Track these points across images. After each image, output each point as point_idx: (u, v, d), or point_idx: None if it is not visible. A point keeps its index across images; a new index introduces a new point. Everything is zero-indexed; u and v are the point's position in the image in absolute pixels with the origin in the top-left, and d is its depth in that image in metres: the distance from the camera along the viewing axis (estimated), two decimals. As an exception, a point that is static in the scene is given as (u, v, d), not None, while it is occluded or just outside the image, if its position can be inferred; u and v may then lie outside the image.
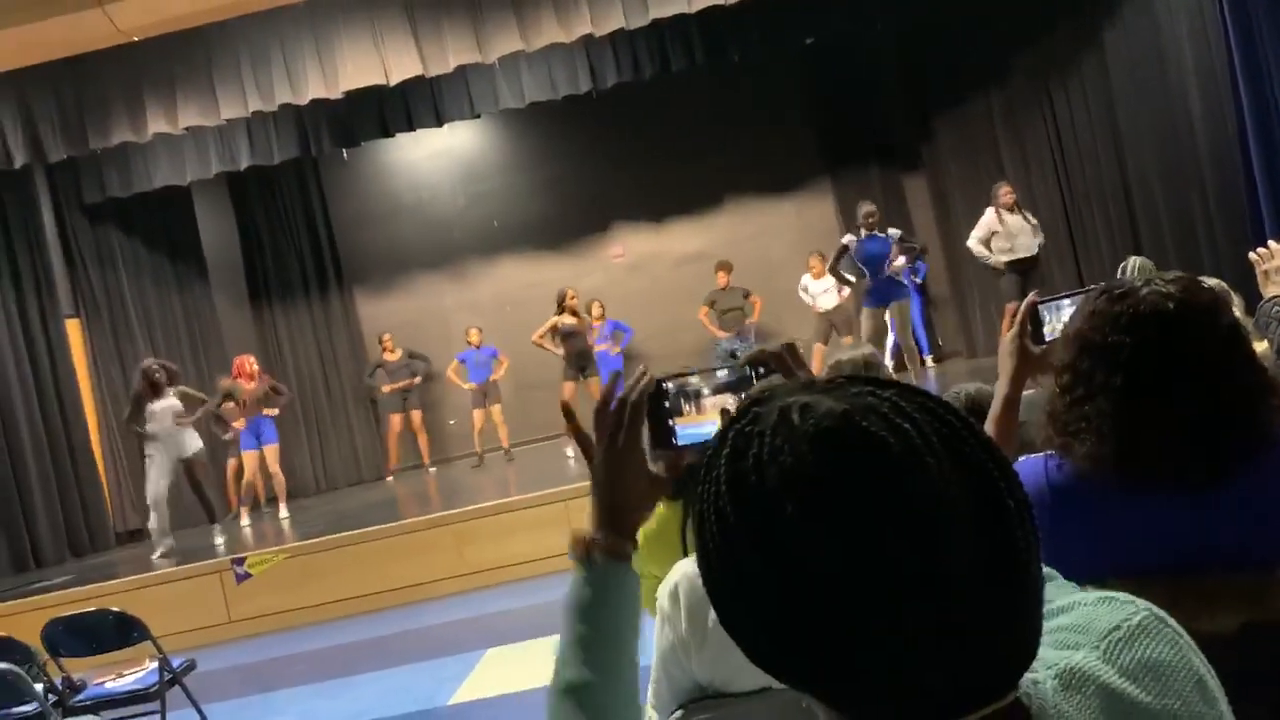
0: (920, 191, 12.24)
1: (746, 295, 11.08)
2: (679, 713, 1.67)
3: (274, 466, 9.78)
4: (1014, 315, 1.74)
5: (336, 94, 8.63)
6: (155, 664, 4.70)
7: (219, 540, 8.48)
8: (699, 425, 1.13)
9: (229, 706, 5.55)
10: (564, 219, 12.45)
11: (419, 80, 8.86)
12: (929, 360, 10.69)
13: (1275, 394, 1.38)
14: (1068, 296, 1.73)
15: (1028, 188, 10.32)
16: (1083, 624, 0.77)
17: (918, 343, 10.47)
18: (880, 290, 8.92)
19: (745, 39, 10.04)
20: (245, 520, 9.74)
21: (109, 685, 4.75)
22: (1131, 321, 1.40)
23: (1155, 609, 0.78)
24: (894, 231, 8.99)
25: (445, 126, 10.97)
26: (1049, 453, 1.47)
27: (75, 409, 10.25)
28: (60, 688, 4.60)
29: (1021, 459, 1.51)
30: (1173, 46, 7.83)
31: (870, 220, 8.89)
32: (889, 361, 9.18)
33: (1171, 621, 0.78)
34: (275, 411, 9.68)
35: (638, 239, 12.69)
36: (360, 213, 12.70)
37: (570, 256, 12.55)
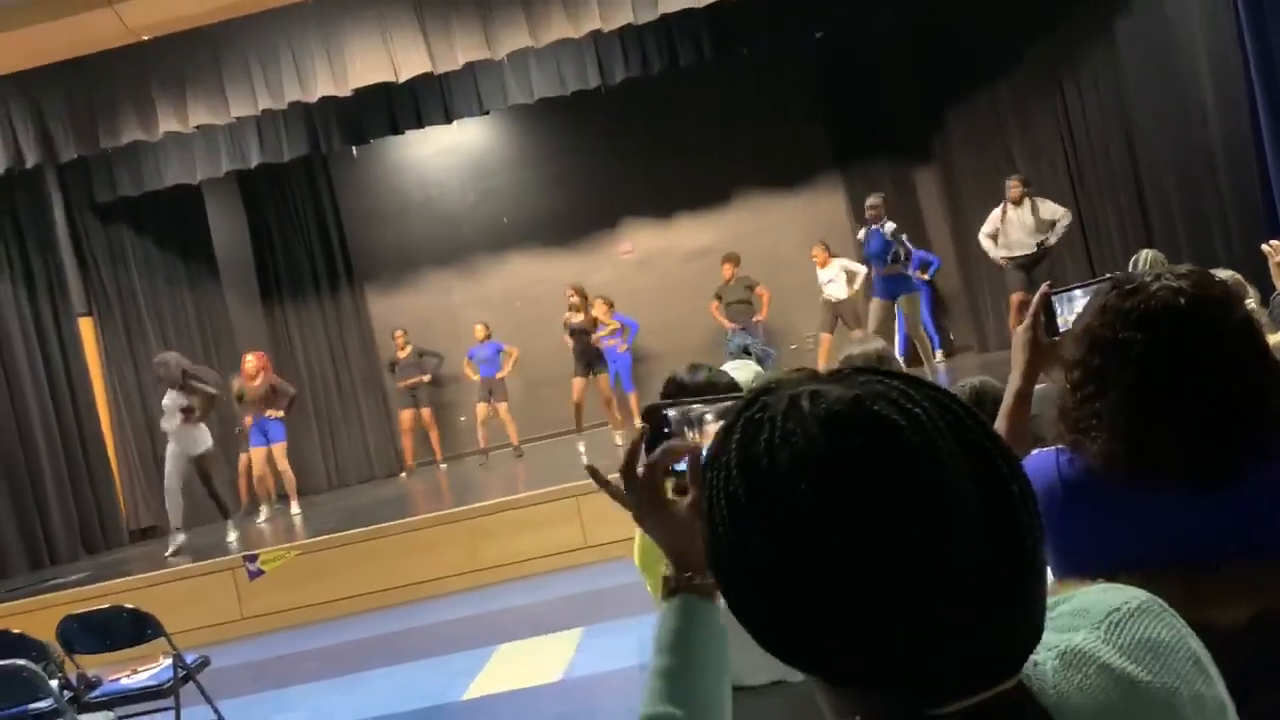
0: (931, 184, 12.21)
1: (751, 288, 11.05)
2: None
3: (282, 464, 9.81)
4: (1019, 308, 1.73)
5: (346, 91, 8.64)
6: (169, 661, 4.73)
7: (233, 536, 8.51)
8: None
9: (242, 703, 5.57)
10: (573, 215, 12.45)
11: (428, 77, 8.87)
12: (940, 355, 10.66)
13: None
14: (1080, 287, 1.72)
15: (1039, 180, 10.27)
16: (1082, 608, 0.78)
17: (929, 339, 10.45)
18: (884, 283, 8.91)
19: (754, 33, 10.02)
20: (261, 516, 9.78)
21: (124, 682, 4.77)
22: (1142, 317, 1.39)
23: (1154, 597, 0.79)
24: (889, 225, 8.93)
25: (454, 123, 10.98)
26: (1060, 447, 1.46)
27: (88, 407, 10.31)
28: (75, 684, 4.63)
29: (1033, 453, 1.50)
30: (1185, 36, 7.78)
31: (870, 214, 8.89)
32: (899, 357, 9.16)
33: (1169, 608, 0.79)
34: (279, 413, 9.69)
35: (646, 235, 12.69)
36: (370, 210, 12.72)
37: (579, 252, 12.56)
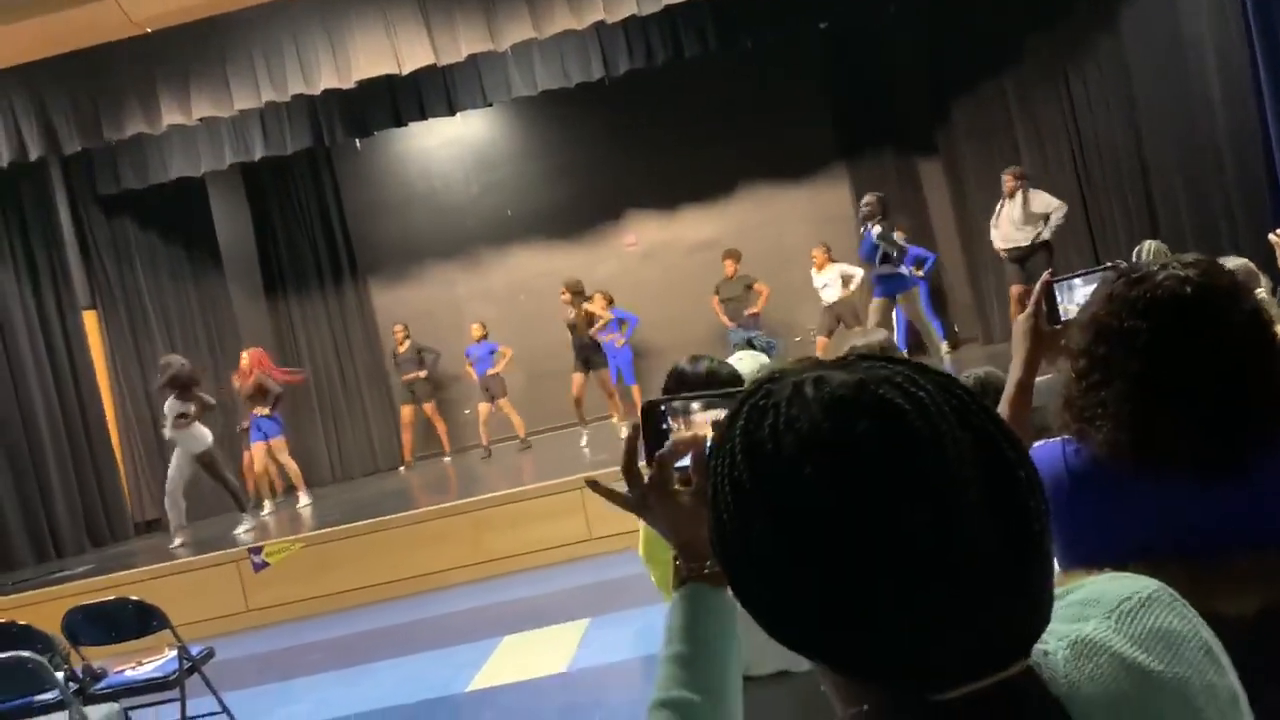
0: (936, 176, 12.18)
1: (749, 285, 11.04)
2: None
3: (282, 457, 9.82)
4: (1019, 300, 1.72)
5: (349, 84, 8.63)
6: (174, 652, 4.74)
7: (246, 527, 8.54)
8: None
9: (247, 694, 5.59)
10: (577, 207, 12.44)
11: (431, 69, 8.85)
12: (945, 347, 10.63)
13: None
14: (1081, 275, 1.71)
15: (1044, 172, 10.25)
16: (1093, 597, 0.77)
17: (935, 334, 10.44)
18: (881, 283, 8.93)
19: (758, 24, 9.99)
20: (265, 510, 9.80)
21: (129, 673, 4.78)
22: (1149, 306, 1.38)
23: (1165, 586, 0.78)
24: (876, 229, 8.92)
25: (458, 115, 10.97)
26: (1066, 438, 1.46)
27: (93, 400, 10.33)
28: (81, 676, 4.64)
29: (1038, 444, 1.50)
30: (1192, 28, 7.75)
31: (863, 210, 8.89)
32: (901, 350, 9.15)
33: (1180, 597, 0.78)
34: (264, 411, 9.70)
35: (651, 227, 12.67)
36: (374, 202, 12.72)
37: (583, 245, 12.55)
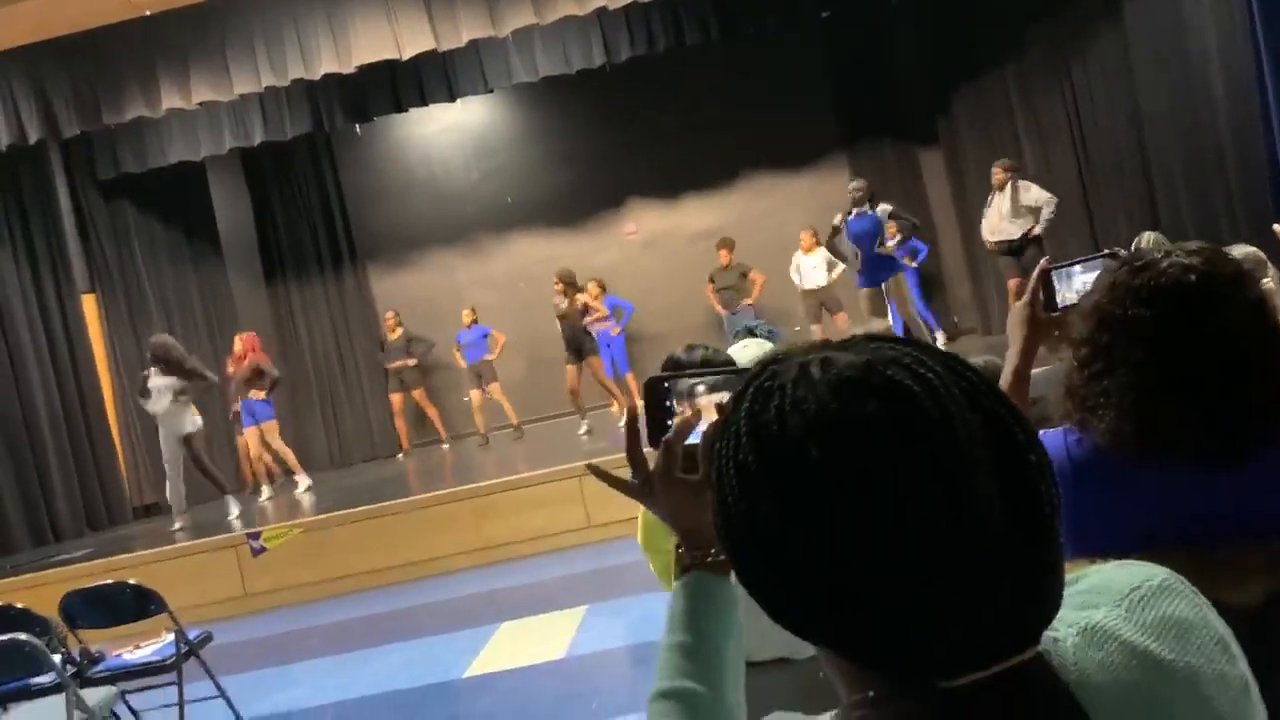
0: (936, 166, 12.16)
1: (744, 274, 11.04)
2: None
3: (275, 442, 9.79)
4: (1017, 293, 1.72)
5: (349, 68, 8.61)
6: (172, 636, 4.74)
7: (235, 510, 8.53)
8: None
9: (245, 679, 5.59)
10: (577, 194, 12.42)
11: (431, 54, 8.82)
12: (940, 338, 10.62)
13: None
14: (1079, 263, 1.71)
15: (1045, 163, 10.24)
16: (1103, 585, 0.76)
17: (925, 321, 10.43)
18: (869, 270, 8.80)
19: (760, 12, 9.97)
20: (263, 495, 9.80)
21: (126, 657, 4.79)
22: (1152, 294, 1.38)
23: (1176, 574, 0.78)
24: (884, 207, 8.82)
25: (458, 101, 10.94)
26: (1067, 427, 1.45)
27: (92, 384, 10.32)
28: (78, 659, 4.64)
29: (1040, 433, 1.49)
30: (1195, 19, 7.72)
31: (856, 195, 8.79)
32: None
33: (1191, 586, 0.77)
34: (260, 395, 9.68)
35: (651, 215, 12.65)
36: (373, 188, 12.70)
37: (583, 232, 12.53)
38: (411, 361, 11.48)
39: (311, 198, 12.55)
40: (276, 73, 8.57)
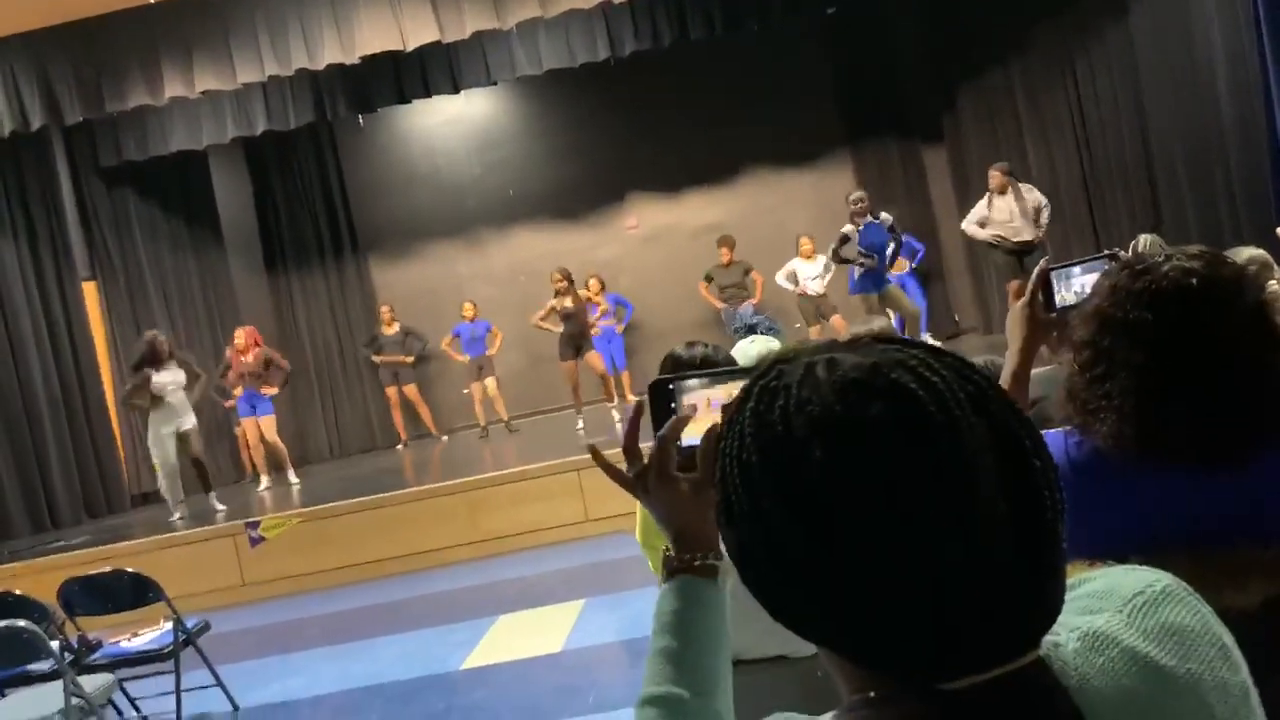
0: (939, 163, 12.14)
1: (747, 272, 11.03)
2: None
3: (271, 436, 9.76)
4: (1018, 295, 1.72)
5: (353, 59, 8.59)
6: (170, 625, 4.76)
7: (220, 508, 8.53)
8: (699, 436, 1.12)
9: (243, 668, 5.61)
10: (579, 189, 12.40)
11: (436, 46, 8.82)
12: (926, 339, 10.60)
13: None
14: (1079, 264, 1.70)
15: (1049, 161, 10.23)
16: (1105, 590, 0.76)
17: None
18: (876, 277, 8.86)
19: (765, 7, 9.96)
20: (262, 485, 9.81)
21: (124, 645, 4.80)
22: (1153, 298, 1.38)
23: (1179, 580, 0.78)
24: (885, 216, 8.92)
25: (462, 93, 10.93)
26: (1067, 429, 1.46)
27: (91, 371, 10.33)
28: (76, 646, 4.65)
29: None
30: (1199, 18, 7.72)
31: (862, 206, 8.83)
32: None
33: (1194, 592, 0.77)
34: (272, 390, 9.68)
35: (653, 210, 12.64)
36: (375, 179, 12.68)
37: (585, 227, 12.52)
38: (410, 358, 11.47)
39: (314, 188, 12.54)
40: (280, 62, 8.56)
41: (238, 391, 9.79)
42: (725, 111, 11.86)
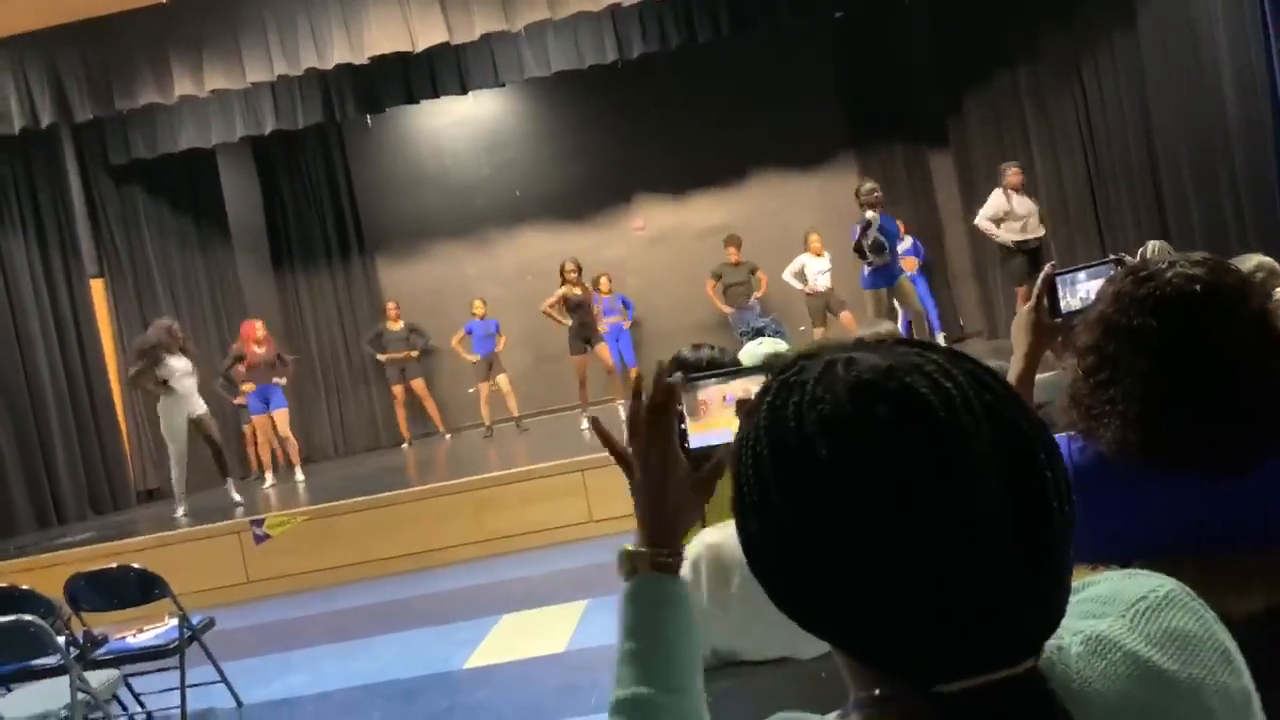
0: (945, 167, 12.13)
1: (753, 271, 11.04)
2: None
3: (285, 430, 9.81)
4: (1026, 298, 1.72)
5: (362, 59, 8.61)
6: (175, 621, 4.77)
7: (237, 498, 8.54)
8: (710, 433, 1.12)
9: (247, 665, 5.62)
10: (586, 190, 12.42)
11: (445, 47, 8.83)
12: (941, 339, 10.60)
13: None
14: (1084, 269, 1.71)
15: (1054, 164, 10.21)
16: (1109, 595, 0.77)
17: (929, 322, 10.45)
18: (888, 271, 8.85)
19: (773, 10, 9.95)
20: (267, 482, 9.82)
21: (129, 640, 4.81)
22: (1157, 304, 1.39)
23: (1182, 585, 0.78)
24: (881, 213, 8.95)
25: (470, 94, 10.94)
26: (1072, 434, 1.46)
27: (98, 368, 10.36)
28: (81, 641, 4.67)
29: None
30: (1206, 25, 7.70)
31: (876, 197, 8.80)
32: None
33: (1197, 597, 0.78)
34: (283, 381, 9.71)
35: (660, 211, 12.65)
36: (383, 179, 12.71)
37: (592, 227, 12.53)
38: (414, 354, 11.49)
39: (321, 187, 12.57)
40: (289, 62, 8.58)
41: (247, 388, 9.81)
42: (731, 113, 11.86)
